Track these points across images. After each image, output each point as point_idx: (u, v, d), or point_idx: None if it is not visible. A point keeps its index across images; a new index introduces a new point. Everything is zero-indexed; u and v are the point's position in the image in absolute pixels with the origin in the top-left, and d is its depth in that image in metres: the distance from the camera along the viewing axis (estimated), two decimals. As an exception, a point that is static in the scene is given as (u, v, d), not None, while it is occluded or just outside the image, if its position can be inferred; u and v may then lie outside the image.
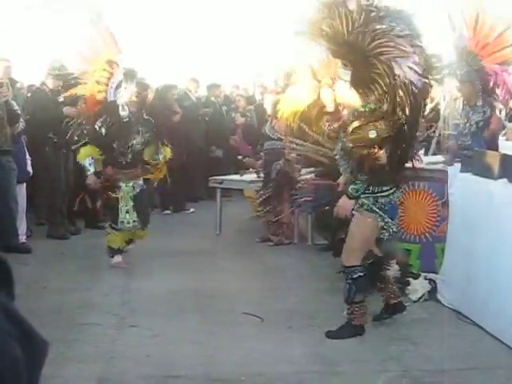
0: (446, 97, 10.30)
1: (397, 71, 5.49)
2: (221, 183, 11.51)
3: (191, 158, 13.66)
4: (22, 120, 9.62)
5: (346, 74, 5.84)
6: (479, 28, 7.94)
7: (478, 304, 6.43)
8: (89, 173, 8.59)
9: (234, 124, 14.91)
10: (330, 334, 6.23)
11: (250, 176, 11.21)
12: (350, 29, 5.43)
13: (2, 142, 9.13)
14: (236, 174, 12.04)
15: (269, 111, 10.82)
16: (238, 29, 17.83)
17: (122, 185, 8.56)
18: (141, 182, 8.73)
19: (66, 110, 10.31)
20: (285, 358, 5.81)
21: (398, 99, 5.52)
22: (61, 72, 10.57)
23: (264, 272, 8.80)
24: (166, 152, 8.93)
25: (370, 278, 6.23)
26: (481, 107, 7.97)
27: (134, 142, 8.53)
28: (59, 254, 9.62)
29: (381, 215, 6.03)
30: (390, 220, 6.09)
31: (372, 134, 5.63)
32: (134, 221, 8.64)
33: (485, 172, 6.53)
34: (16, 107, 9.53)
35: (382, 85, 5.54)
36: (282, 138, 10.08)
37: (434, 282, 7.31)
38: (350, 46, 5.54)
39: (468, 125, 8.08)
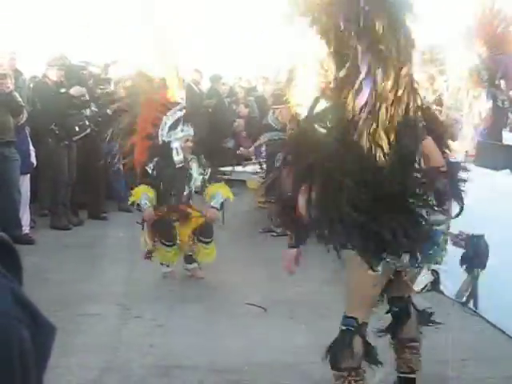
0: (449, 87, 10.28)
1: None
2: (224, 174, 11.50)
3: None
4: (25, 111, 9.62)
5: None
6: (488, 18, 7.91)
7: (481, 295, 6.43)
8: (145, 207, 7.80)
9: (238, 115, 14.91)
10: None
11: (253, 167, 11.21)
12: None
13: (6, 133, 9.14)
14: (239, 165, 12.05)
15: (270, 102, 10.84)
16: (241, 19, 17.78)
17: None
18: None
19: (74, 90, 10.35)
20: (288, 349, 5.82)
21: None
22: (64, 62, 10.60)
23: (267, 262, 8.79)
24: (225, 193, 8.56)
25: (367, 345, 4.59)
26: (485, 98, 7.97)
27: (187, 188, 8.12)
28: (62, 245, 9.63)
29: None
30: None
31: None
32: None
33: (488, 163, 6.52)
34: (19, 99, 9.53)
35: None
36: (286, 127, 10.10)
37: (437, 272, 7.30)
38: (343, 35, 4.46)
39: (471, 115, 8.08)
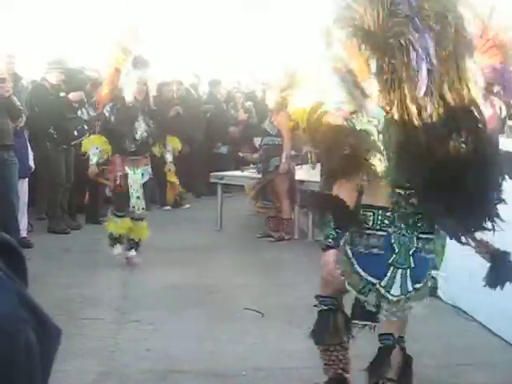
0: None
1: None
2: (221, 179, 11.53)
3: (192, 153, 13.68)
4: (24, 115, 9.63)
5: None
6: (487, 26, 7.90)
7: (478, 300, 6.45)
8: (91, 163, 8.42)
9: (236, 120, 14.94)
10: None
11: (251, 172, 11.23)
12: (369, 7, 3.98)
13: (5, 137, 9.14)
14: (237, 170, 12.08)
15: (270, 107, 10.85)
16: (239, 25, 17.82)
17: (130, 172, 8.42)
18: (149, 170, 8.66)
19: (72, 96, 10.39)
20: (286, 353, 5.83)
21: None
22: (63, 66, 10.62)
23: (264, 267, 8.81)
24: (175, 143, 8.93)
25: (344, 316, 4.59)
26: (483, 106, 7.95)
27: (138, 127, 8.37)
28: (60, 249, 9.63)
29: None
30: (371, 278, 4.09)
31: None
32: (142, 208, 8.59)
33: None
34: (18, 103, 9.54)
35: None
36: (281, 133, 10.13)
37: (435, 278, 7.31)
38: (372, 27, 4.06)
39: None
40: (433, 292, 5.96)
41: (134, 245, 8.75)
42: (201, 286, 7.89)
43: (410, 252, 4.11)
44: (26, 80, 11.80)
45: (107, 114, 8.32)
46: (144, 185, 8.60)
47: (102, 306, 7.16)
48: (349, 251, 4.12)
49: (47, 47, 13.39)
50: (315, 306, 4.68)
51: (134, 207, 8.53)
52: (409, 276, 4.14)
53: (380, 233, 4.01)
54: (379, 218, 4.01)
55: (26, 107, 10.29)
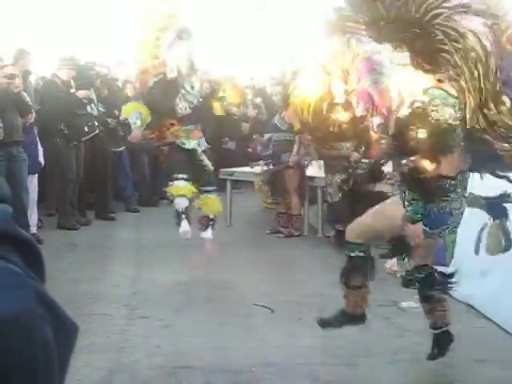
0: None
1: (462, 29, 4.27)
2: (231, 175, 11.52)
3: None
4: (33, 111, 9.64)
5: (403, 58, 4.69)
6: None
7: (490, 298, 6.42)
8: (133, 126, 7.88)
9: (246, 116, 14.91)
10: (322, 322, 5.49)
11: (261, 168, 11.22)
12: (387, 5, 4.37)
13: (14, 132, 9.15)
14: (246, 166, 12.06)
15: (278, 103, 10.84)
16: (250, 20, 17.79)
17: (185, 141, 7.95)
18: (203, 140, 8.22)
19: (80, 94, 10.40)
20: (295, 350, 5.82)
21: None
22: (74, 62, 10.63)
23: (274, 264, 8.79)
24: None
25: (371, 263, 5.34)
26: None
27: (181, 96, 7.82)
28: (69, 245, 9.64)
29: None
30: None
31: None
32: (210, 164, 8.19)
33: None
34: (28, 98, 9.55)
35: (453, 52, 4.30)
36: (292, 129, 10.11)
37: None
38: (394, 23, 4.47)
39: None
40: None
41: (208, 222, 8.24)
42: (210, 282, 7.88)
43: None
44: (33, 76, 11.78)
45: (149, 88, 7.85)
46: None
47: (112, 302, 7.16)
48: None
49: (58, 43, 13.37)
50: (350, 255, 5.19)
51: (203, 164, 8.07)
52: None
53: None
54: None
55: (36, 103, 10.31)
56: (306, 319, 6.58)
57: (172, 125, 7.88)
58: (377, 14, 4.22)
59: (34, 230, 9.78)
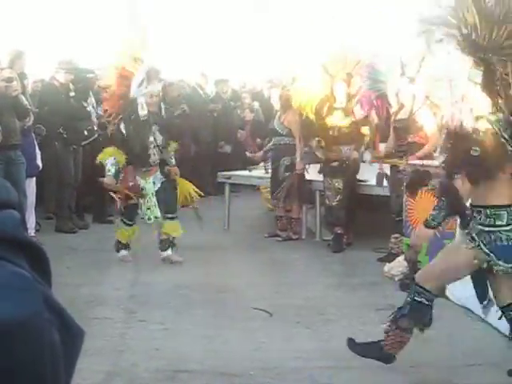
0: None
1: None
2: (229, 178, 11.52)
3: (199, 153, 13.69)
4: (31, 114, 9.63)
5: (477, 75, 4.67)
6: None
7: (487, 301, 6.43)
8: (108, 173, 8.50)
9: (243, 120, 14.92)
10: (351, 345, 5.32)
11: (259, 172, 11.23)
12: (482, 22, 4.49)
13: (12, 136, 9.14)
14: (244, 169, 12.06)
15: (276, 106, 10.86)
16: (246, 23, 17.81)
17: (145, 185, 8.57)
18: (159, 175, 8.68)
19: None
20: (293, 353, 5.82)
21: None
22: (72, 65, 10.64)
23: (272, 267, 8.80)
24: (171, 148, 8.88)
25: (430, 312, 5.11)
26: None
27: (151, 141, 8.47)
28: (68, 249, 9.64)
29: (482, 248, 4.78)
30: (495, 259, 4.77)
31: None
32: (155, 217, 8.64)
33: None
34: (26, 102, 9.55)
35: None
36: (294, 133, 10.12)
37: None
38: (482, 41, 4.58)
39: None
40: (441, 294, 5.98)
41: (168, 243, 8.82)
42: (209, 286, 7.89)
43: None
44: (29, 79, 11.77)
45: (121, 127, 8.47)
46: (160, 190, 8.67)
47: (111, 305, 7.17)
48: (484, 248, 4.74)
49: (56, 46, 13.38)
50: (415, 298, 4.99)
51: (143, 218, 8.70)
52: None
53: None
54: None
55: (34, 106, 10.30)
56: (305, 323, 6.59)
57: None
58: (472, 21, 4.37)
59: (32, 233, 9.76)
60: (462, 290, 6.92)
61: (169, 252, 8.78)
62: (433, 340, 6.05)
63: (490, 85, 4.44)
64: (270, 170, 10.64)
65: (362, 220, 9.61)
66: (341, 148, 9.02)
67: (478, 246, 4.76)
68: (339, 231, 9.53)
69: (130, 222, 8.80)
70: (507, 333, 6.04)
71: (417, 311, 4.99)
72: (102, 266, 8.72)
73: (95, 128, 10.89)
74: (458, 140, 4.67)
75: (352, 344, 5.29)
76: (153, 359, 5.73)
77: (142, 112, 8.30)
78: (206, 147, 14.21)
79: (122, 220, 8.91)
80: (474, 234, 4.78)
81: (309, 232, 10.59)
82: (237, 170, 12.25)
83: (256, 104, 15.36)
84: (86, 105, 10.72)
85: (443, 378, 5.27)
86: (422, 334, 5.08)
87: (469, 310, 6.76)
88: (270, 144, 10.68)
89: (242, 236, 10.82)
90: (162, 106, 8.68)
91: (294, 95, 9.34)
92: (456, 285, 7.04)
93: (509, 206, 4.72)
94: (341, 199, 9.37)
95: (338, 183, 9.24)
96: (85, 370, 5.27)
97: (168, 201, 8.71)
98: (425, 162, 6.86)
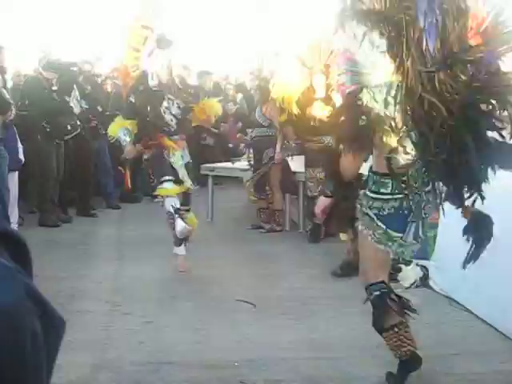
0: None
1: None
2: (212, 170, 11.52)
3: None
4: (13, 108, 9.58)
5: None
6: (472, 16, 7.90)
7: (470, 290, 6.47)
8: (124, 143, 7.83)
9: (225, 113, 14.89)
10: (389, 379, 5.09)
11: (242, 164, 11.23)
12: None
13: (-6, 130, 9.11)
14: (227, 161, 12.06)
15: (256, 97, 10.88)
16: (228, 15, 17.79)
17: (171, 157, 7.90)
18: (187, 152, 8.18)
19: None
20: (278, 344, 5.83)
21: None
22: (57, 66, 10.59)
23: (256, 259, 8.81)
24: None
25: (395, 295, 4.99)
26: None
27: (165, 106, 7.88)
28: (51, 242, 9.61)
29: (378, 224, 4.71)
30: (396, 234, 4.71)
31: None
32: (191, 184, 8.05)
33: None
34: (7, 96, 9.51)
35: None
36: (274, 124, 10.13)
37: (427, 268, 7.34)
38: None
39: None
40: (425, 282, 5.97)
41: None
42: (192, 278, 7.89)
43: (422, 206, 4.65)
44: (9, 73, 11.72)
45: (132, 99, 7.87)
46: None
47: (94, 298, 7.15)
48: (372, 214, 4.70)
49: (40, 39, 13.30)
50: (368, 298, 4.95)
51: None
52: (421, 225, 4.72)
53: (398, 196, 4.61)
54: (395, 183, 4.59)
55: (15, 100, 10.25)
56: (289, 314, 6.61)
57: (159, 137, 7.87)
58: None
59: (14, 227, 9.74)
60: (446, 280, 6.96)
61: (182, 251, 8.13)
62: (416, 329, 6.07)
63: (394, 48, 4.20)
64: (252, 162, 10.64)
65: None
66: (323, 139, 9.02)
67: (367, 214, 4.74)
68: (318, 222, 9.54)
69: (169, 177, 7.81)
70: (491, 322, 6.10)
71: (378, 307, 4.91)
72: (86, 260, 8.71)
73: (78, 123, 10.85)
74: (347, 111, 4.63)
75: (390, 379, 5.09)
76: (137, 352, 5.72)
77: (152, 82, 7.82)
78: (189, 139, 14.16)
79: (159, 180, 7.85)
80: (363, 201, 4.77)
81: (292, 224, 10.61)
82: (218, 162, 12.27)
83: (240, 96, 15.36)
84: (68, 99, 10.67)
85: (426, 367, 5.28)
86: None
87: (452, 299, 6.79)
88: (252, 135, 10.68)
89: (225, 228, 10.83)
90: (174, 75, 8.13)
91: (275, 89, 9.35)
92: (439, 274, 7.09)
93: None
94: (322, 190, 9.38)
95: (320, 174, 9.24)
96: (69, 364, 5.27)
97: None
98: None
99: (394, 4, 4.14)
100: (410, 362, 4.96)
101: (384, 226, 4.68)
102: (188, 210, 8.11)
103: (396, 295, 4.93)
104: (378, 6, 4.17)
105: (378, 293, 4.88)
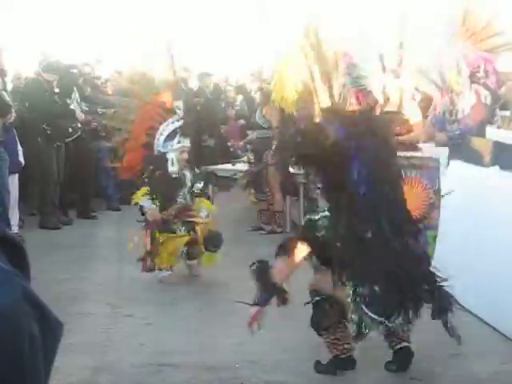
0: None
1: None
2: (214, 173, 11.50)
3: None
4: (13, 111, 9.59)
5: None
6: (468, 16, 7.93)
7: (470, 291, 6.46)
8: (147, 208, 7.79)
9: (225, 114, 14.94)
10: (317, 367, 5.41)
11: (242, 165, 11.23)
12: None
13: (-6, 132, 9.12)
14: (227, 163, 12.06)
15: (257, 99, 10.88)
16: (229, 17, 17.80)
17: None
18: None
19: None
20: (279, 346, 5.84)
21: None
22: (57, 67, 10.59)
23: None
24: (209, 207, 8.47)
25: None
26: (468, 94, 7.94)
27: (181, 195, 7.93)
28: (52, 245, 9.62)
29: None
30: None
31: None
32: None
33: (476, 159, 6.55)
34: (7, 98, 9.51)
35: None
36: (273, 126, 10.13)
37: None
38: None
39: (455, 112, 8.05)
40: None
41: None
42: (193, 280, 7.89)
43: None
44: (10, 76, 11.73)
45: (145, 180, 7.91)
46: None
47: (95, 301, 7.16)
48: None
49: (41, 42, 13.33)
50: (309, 302, 5.49)
51: None
52: None
53: None
54: None
55: (16, 102, 10.26)
56: (289, 315, 6.59)
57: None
58: None
59: (15, 229, 9.74)
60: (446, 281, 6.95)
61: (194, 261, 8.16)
62: (416, 330, 6.07)
63: None
64: (253, 164, 10.64)
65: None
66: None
67: None
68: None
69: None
70: (492, 323, 6.10)
71: (319, 309, 5.42)
72: (86, 262, 8.72)
73: (79, 125, 10.86)
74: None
75: (318, 367, 5.39)
76: (138, 354, 5.73)
77: (173, 169, 7.83)
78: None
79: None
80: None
81: (293, 225, 10.60)
82: (218, 163, 12.26)
83: (240, 98, 15.38)
84: (69, 102, 10.68)
85: (428, 368, 5.30)
86: None
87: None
88: (253, 137, 10.69)
89: (225, 229, 10.76)
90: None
91: (275, 90, 9.35)
92: (440, 275, 7.08)
93: None
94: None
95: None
96: (70, 366, 5.28)
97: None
98: (409, 154, 6.89)
99: None
100: (343, 360, 5.27)
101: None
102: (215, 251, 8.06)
103: (334, 299, 5.26)
104: None
105: (318, 298, 5.44)
